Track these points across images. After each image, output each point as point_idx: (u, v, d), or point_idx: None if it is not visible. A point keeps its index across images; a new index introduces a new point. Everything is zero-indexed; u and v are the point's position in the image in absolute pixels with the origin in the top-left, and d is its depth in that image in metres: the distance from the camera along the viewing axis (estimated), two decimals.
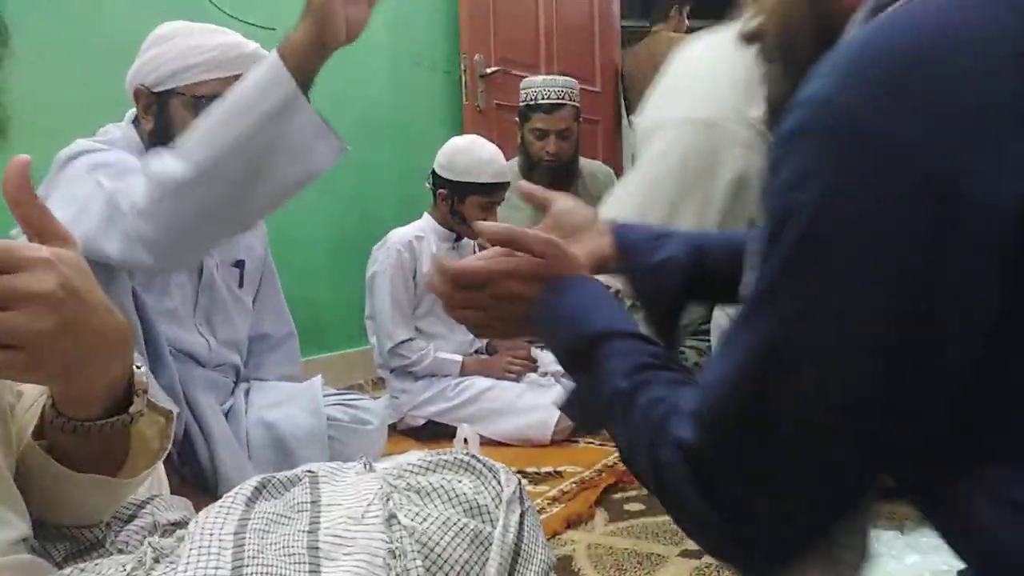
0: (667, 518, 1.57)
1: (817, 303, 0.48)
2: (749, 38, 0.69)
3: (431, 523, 0.62)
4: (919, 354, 0.47)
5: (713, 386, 0.54)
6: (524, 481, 1.86)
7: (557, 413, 2.17)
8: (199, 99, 1.40)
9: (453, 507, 0.64)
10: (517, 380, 2.46)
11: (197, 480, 1.55)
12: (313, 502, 0.66)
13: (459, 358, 2.46)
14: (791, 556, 0.55)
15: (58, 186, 1.28)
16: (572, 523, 1.60)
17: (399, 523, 0.61)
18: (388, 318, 2.40)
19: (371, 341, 2.52)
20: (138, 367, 0.68)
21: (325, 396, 1.91)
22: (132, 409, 0.67)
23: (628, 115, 3.36)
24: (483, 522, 0.64)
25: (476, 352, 2.58)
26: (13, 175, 0.59)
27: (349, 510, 0.63)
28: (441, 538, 0.61)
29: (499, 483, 0.68)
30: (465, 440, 1.95)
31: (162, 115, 1.43)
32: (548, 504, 1.71)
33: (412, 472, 0.68)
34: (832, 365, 0.49)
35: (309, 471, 0.71)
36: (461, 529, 0.62)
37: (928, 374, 0.48)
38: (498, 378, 2.43)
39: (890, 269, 0.46)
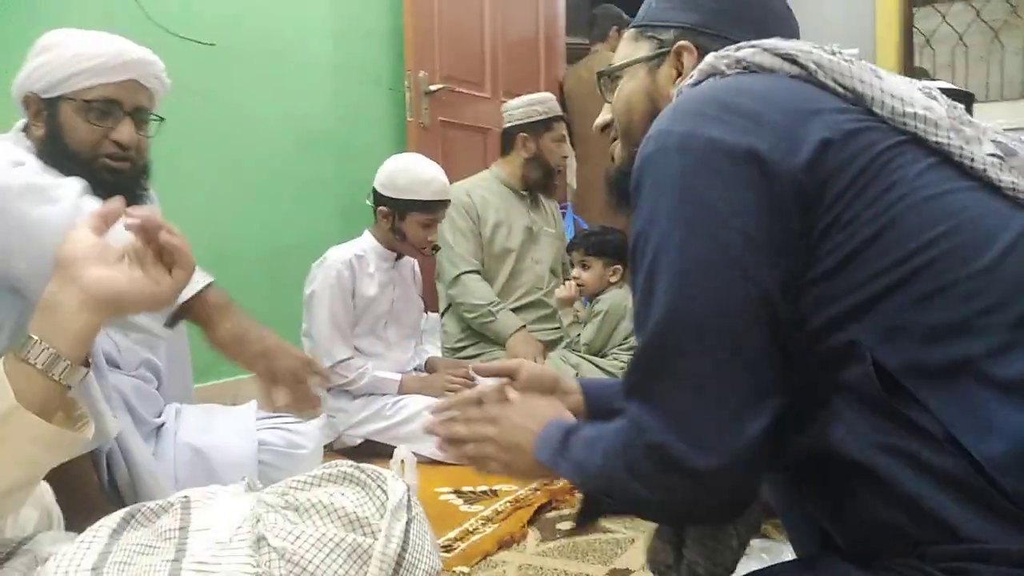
0: (598, 536, 1.57)
1: (691, 247, 0.68)
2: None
3: (304, 542, 0.58)
4: (760, 266, 0.66)
5: (646, 328, 0.70)
6: (459, 501, 1.85)
7: None
8: (89, 103, 1.37)
9: (332, 522, 0.61)
10: None
11: (116, 504, 1.49)
12: (182, 528, 0.61)
13: (398, 376, 2.41)
14: (753, 465, 0.66)
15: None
16: (504, 544, 1.56)
17: (268, 545, 0.57)
18: (326, 337, 2.36)
19: None
20: None
21: (260, 420, 1.86)
22: None
23: (570, 132, 3.33)
24: (364, 535, 0.61)
25: (415, 370, 2.54)
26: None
27: (217, 534, 0.59)
28: (314, 556, 0.58)
29: (384, 492, 0.65)
30: (402, 462, 1.90)
31: (53, 121, 1.39)
32: (482, 524, 1.67)
33: (295, 488, 0.64)
34: (719, 279, 0.67)
35: (184, 496, 0.67)
36: (337, 545, 0.59)
37: (771, 276, 0.66)
38: (437, 396, 2.38)
39: (732, 214, 0.67)
